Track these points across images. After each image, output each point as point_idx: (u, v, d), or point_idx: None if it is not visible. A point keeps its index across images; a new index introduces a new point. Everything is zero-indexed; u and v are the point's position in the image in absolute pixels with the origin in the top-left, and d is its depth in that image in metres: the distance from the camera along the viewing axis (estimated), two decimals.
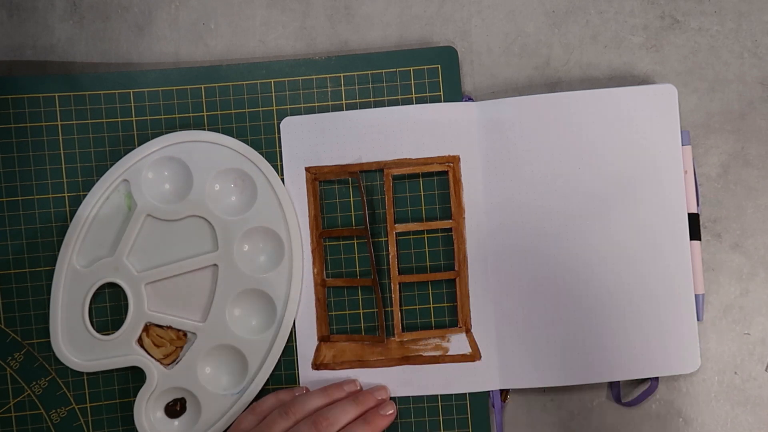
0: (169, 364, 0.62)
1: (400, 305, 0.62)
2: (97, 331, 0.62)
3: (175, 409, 0.63)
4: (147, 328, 0.62)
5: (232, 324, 0.62)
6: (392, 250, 0.62)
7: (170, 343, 0.62)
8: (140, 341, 0.62)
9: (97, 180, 0.62)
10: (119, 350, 0.62)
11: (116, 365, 0.62)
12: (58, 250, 0.62)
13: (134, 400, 0.62)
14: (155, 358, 0.62)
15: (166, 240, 0.63)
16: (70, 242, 0.62)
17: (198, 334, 0.62)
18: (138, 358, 0.62)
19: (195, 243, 0.63)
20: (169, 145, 0.62)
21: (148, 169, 0.63)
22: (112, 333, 0.62)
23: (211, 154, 0.62)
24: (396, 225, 0.62)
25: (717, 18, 0.64)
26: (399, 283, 0.62)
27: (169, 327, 0.62)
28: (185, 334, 0.63)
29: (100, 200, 0.62)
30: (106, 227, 0.63)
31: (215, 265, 0.62)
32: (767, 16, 0.64)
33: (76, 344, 0.62)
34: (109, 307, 0.63)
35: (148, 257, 0.63)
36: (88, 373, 0.62)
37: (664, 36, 0.64)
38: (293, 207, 0.63)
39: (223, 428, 0.62)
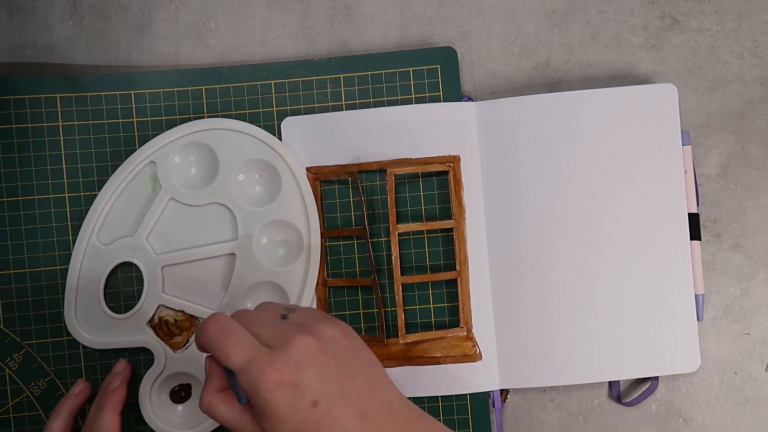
0: (178, 349, 0.62)
1: (403, 306, 0.62)
2: (110, 309, 0.62)
3: (180, 394, 0.63)
4: (160, 310, 0.62)
5: None
6: (395, 250, 0.62)
7: (182, 328, 0.62)
8: (152, 323, 0.62)
9: (117, 169, 0.63)
10: (130, 330, 0.62)
11: (126, 345, 0.62)
12: (59, 251, 0.62)
13: (138, 393, 0.62)
14: (165, 342, 0.62)
15: (187, 225, 0.63)
16: (93, 218, 0.62)
17: None
18: (148, 339, 0.62)
19: (215, 230, 0.63)
20: (198, 131, 0.63)
21: (176, 153, 0.63)
22: (124, 312, 0.62)
23: (239, 144, 0.62)
24: (398, 225, 0.62)
25: (717, 18, 0.64)
26: (401, 284, 0.62)
27: (182, 311, 0.62)
28: (197, 320, 0.63)
29: (126, 179, 0.62)
30: (130, 207, 0.63)
31: (233, 254, 0.62)
32: (767, 16, 0.64)
33: (88, 320, 0.62)
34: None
35: (167, 240, 0.63)
36: (87, 374, 0.62)
37: (664, 36, 0.64)
38: (315, 203, 0.63)
39: None
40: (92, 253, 0.62)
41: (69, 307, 0.62)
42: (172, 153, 0.62)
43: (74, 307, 0.62)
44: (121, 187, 0.62)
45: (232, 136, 0.63)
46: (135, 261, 0.62)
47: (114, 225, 0.63)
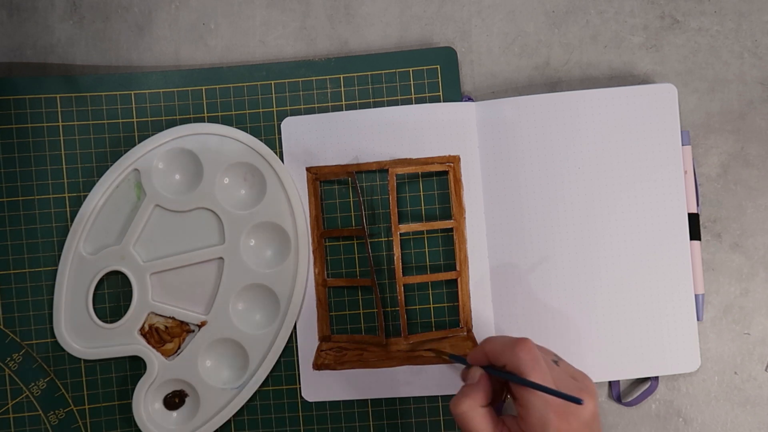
0: (170, 356, 0.62)
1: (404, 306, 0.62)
2: (99, 319, 0.62)
3: (174, 401, 0.63)
4: (150, 318, 0.62)
5: (235, 318, 0.62)
6: (397, 251, 0.61)
7: (172, 334, 0.62)
8: (142, 331, 0.62)
9: (103, 174, 0.63)
10: (121, 339, 0.62)
11: (117, 354, 0.62)
12: (59, 251, 0.62)
13: (133, 397, 0.62)
14: (156, 349, 0.62)
15: (174, 231, 0.63)
16: (78, 229, 0.62)
17: (201, 326, 0.62)
18: (139, 347, 0.62)
19: (202, 235, 0.63)
20: (181, 136, 0.63)
21: (159, 160, 0.63)
22: (114, 321, 0.62)
23: (222, 148, 0.63)
24: (399, 225, 0.62)
25: (717, 18, 0.64)
26: (402, 284, 0.62)
27: (172, 318, 0.62)
28: (188, 326, 0.63)
29: (110, 188, 0.62)
30: (115, 215, 0.63)
31: (221, 258, 0.62)
32: (767, 16, 0.64)
33: (78, 331, 0.62)
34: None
35: (154, 247, 0.63)
36: (86, 375, 0.62)
37: (664, 36, 0.64)
38: (301, 204, 0.63)
39: (221, 423, 0.62)
40: (79, 264, 0.62)
41: (57, 319, 0.62)
42: (155, 160, 0.63)
43: (63, 318, 0.62)
44: (105, 197, 0.62)
45: (214, 141, 0.63)
46: (123, 269, 0.62)
47: (99, 234, 0.63)
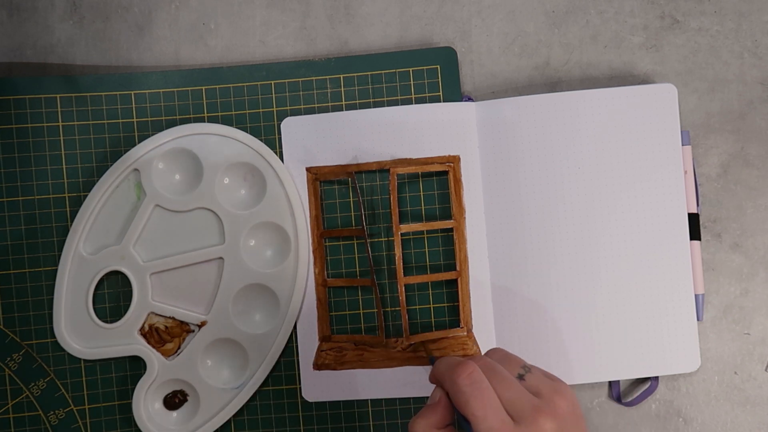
0: (170, 356, 0.62)
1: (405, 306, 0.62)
2: (99, 319, 0.62)
3: (174, 401, 0.63)
4: (150, 318, 0.62)
5: (235, 318, 0.62)
6: (398, 251, 0.61)
7: (172, 334, 0.62)
8: (142, 331, 0.62)
9: (103, 174, 0.63)
10: (121, 339, 0.62)
11: (117, 354, 0.62)
12: (59, 251, 0.62)
13: (133, 397, 0.62)
14: (156, 349, 0.62)
15: (174, 231, 0.63)
16: (78, 229, 0.62)
17: (201, 326, 0.62)
18: (139, 347, 0.62)
19: (202, 235, 0.63)
20: (181, 136, 0.63)
21: (159, 160, 0.63)
22: (114, 321, 0.62)
23: (222, 148, 0.63)
24: (400, 225, 0.62)
25: (717, 18, 0.64)
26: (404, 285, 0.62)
27: (172, 318, 0.62)
28: (188, 326, 0.63)
29: (110, 188, 0.62)
30: (114, 215, 0.63)
31: (221, 258, 0.62)
32: (767, 16, 0.64)
33: (78, 331, 0.62)
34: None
35: (154, 247, 0.63)
36: (86, 375, 0.62)
37: (664, 36, 0.64)
38: (301, 204, 0.63)
39: (221, 423, 0.62)
40: (79, 264, 0.62)
41: (57, 318, 0.62)
42: (155, 160, 0.62)
43: (63, 318, 0.62)
44: (105, 197, 0.62)
45: (214, 141, 0.63)
46: (123, 269, 0.62)
47: (99, 235, 0.63)
